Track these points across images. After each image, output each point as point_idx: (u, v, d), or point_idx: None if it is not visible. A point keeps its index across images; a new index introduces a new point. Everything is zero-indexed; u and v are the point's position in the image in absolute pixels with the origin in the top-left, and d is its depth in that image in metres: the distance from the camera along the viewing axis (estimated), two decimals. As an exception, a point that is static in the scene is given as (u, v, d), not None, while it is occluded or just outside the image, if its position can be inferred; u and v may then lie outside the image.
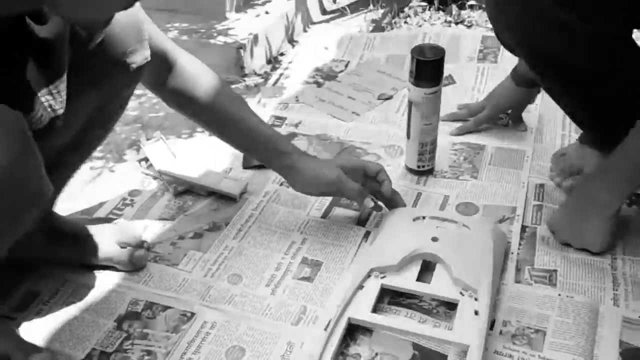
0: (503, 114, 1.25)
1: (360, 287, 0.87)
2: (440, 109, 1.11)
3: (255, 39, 1.50)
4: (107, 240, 0.96)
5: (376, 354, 0.81)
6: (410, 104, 1.07)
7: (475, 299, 0.83)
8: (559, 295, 0.88)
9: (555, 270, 0.92)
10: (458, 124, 1.24)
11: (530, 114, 1.28)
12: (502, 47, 1.44)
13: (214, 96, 0.97)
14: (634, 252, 0.94)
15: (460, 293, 0.85)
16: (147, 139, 1.23)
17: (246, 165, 1.18)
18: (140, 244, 0.98)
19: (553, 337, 0.82)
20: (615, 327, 0.83)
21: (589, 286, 0.89)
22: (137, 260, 0.96)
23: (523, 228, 1.00)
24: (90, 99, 0.80)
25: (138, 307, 0.90)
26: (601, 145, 1.03)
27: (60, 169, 0.84)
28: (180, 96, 0.98)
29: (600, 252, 0.94)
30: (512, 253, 0.95)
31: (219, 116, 0.99)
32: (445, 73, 1.41)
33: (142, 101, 1.43)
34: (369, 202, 1.03)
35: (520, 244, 0.97)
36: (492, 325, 0.84)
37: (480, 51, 1.47)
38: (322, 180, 0.98)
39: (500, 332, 0.83)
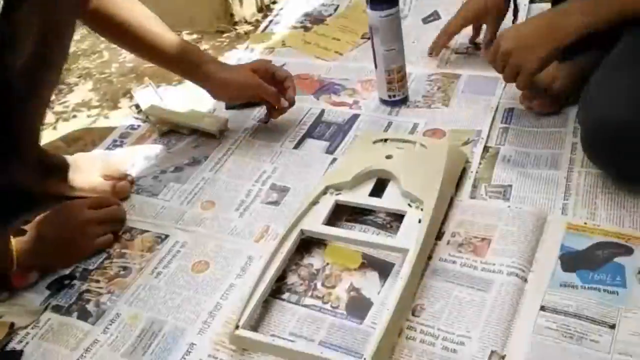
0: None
1: (315, 202, 0.92)
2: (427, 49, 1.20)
3: (245, -14, 1.55)
4: (92, 173, 1.05)
5: (327, 263, 0.87)
6: (370, 29, 1.10)
7: (422, 210, 0.87)
8: (509, 207, 0.91)
9: (510, 186, 0.95)
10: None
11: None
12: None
13: (132, 15, 1.03)
14: (591, 165, 0.96)
15: (409, 205, 0.89)
16: (138, 87, 1.31)
17: (228, 106, 1.25)
18: (124, 177, 1.07)
19: (497, 244, 0.86)
20: (559, 232, 0.86)
21: (540, 198, 0.92)
22: (119, 190, 1.04)
23: (486, 149, 1.03)
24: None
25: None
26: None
27: (36, 89, 0.87)
28: (100, 16, 1.02)
29: (535, 72, 0.96)
30: (471, 172, 0.99)
31: (138, 34, 1.04)
32: (432, 9, 1.45)
33: (139, 54, 1.50)
34: (284, 102, 1.09)
35: (480, 163, 1.00)
36: (440, 236, 0.88)
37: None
38: (238, 83, 1.06)
39: (448, 242, 0.88)
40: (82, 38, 1.62)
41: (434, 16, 1.43)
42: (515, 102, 1.11)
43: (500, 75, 1.18)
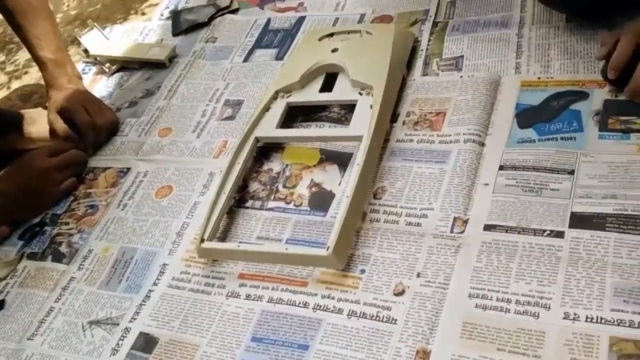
0: None
1: (267, 108, 0.90)
2: None
3: None
4: (43, 124, 1.04)
5: (286, 165, 0.87)
6: None
7: (372, 95, 0.85)
8: (461, 77, 0.89)
9: (462, 56, 0.92)
10: None
11: None
12: None
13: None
14: (541, 19, 0.92)
15: (359, 93, 0.87)
16: (84, 31, 1.27)
17: (175, 32, 1.21)
18: None
19: (452, 115, 0.84)
20: (513, 91, 0.84)
21: (493, 62, 0.89)
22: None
23: (435, 24, 0.99)
24: None
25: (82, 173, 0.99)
26: None
27: None
28: None
29: None
30: (421, 50, 0.96)
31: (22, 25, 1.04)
32: None
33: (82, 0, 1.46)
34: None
35: (429, 40, 0.97)
36: (395, 118, 0.87)
37: None
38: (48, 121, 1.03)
39: (403, 122, 0.86)
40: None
41: None
42: (462, -25, 1.07)
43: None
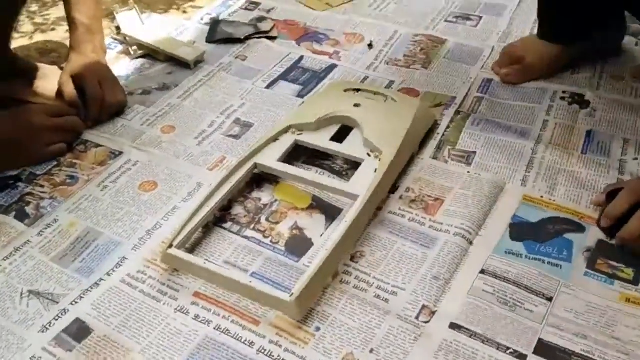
0: None
1: (275, 139, 0.90)
2: (419, 14, 1.22)
3: None
4: (53, 82, 1.02)
5: (275, 200, 0.86)
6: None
7: (379, 160, 0.85)
8: (469, 172, 0.89)
9: (475, 152, 0.93)
10: None
11: (502, 17, 1.26)
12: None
13: None
14: (559, 142, 0.94)
15: (368, 154, 0.87)
16: (122, 8, 1.27)
17: (209, 40, 1.22)
18: None
19: (449, 205, 0.84)
20: (514, 201, 0.84)
21: (502, 166, 0.90)
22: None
23: (457, 112, 1.01)
24: None
25: (74, 142, 0.97)
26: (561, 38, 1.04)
27: None
28: None
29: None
30: (437, 133, 0.97)
31: None
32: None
33: (128, -22, 1.47)
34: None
35: (448, 127, 0.98)
36: (394, 190, 0.87)
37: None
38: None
39: (401, 197, 0.86)
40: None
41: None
42: (495, 75, 1.09)
43: (485, 48, 1.17)
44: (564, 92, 1.04)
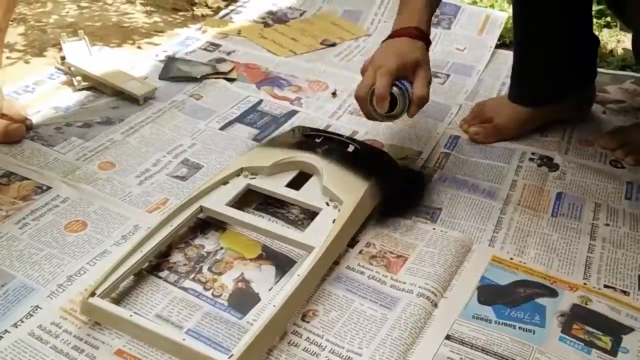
0: None
1: (225, 182, 0.82)
2: None
3: (211, -30, 1.47)
4: None
5: (221, 247, 0.76)
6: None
7: (339, 210, 0.78)
8: (434, 229, 0.82)
9: (440, 209, 0.87)
10: None
11: (470, 77, 1.23)
12: (458, 16, 1.43)
13: None
14: (528, 204, 0.89)
15: (326, 203, 0.79)
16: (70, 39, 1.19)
17: (163, 77, 1.14)
18: (22, 120, 0.94)
19: (413, 263, 0.76)
20: (482, 263, 0.77)
21: (469, 225, 0.84)
22: (12, 132, 0.92)
23: (423, 167, 0.95)
24: None
25: (-4, 174, 0.86)
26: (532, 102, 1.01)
27: None
28: None
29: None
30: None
31: None
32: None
33: (84, 12, 1.40)
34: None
35: (413, 181, 0.92)
36: (354, 244, 0.79)
37: (436, 16, 1.43)
38: None
39: (360, 252, 0.78)
40: (28, -13, 1.50)
41: (399, 40, 1.37)
42: (462, 132, 1.05)
43: (453, 105, 1.13)
44: (532, 153, 1.00)
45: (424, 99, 0.82)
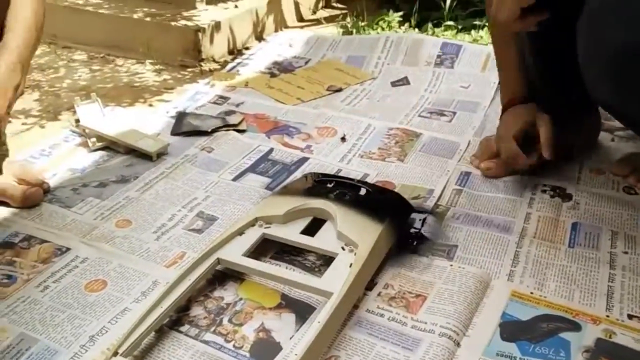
0: None
1: (241, 232, 0.82)
2: (392, 109, 1.24)
3: (218, 26, 1.51)
4: (6, 175, 0.94)
5: (240, 298, 0.77)
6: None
7: (355, 254, 0.78)
8: (451, 265, 0.82)
9: (456, 246, 0.86)
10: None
11: (476, 113, 1.25)
12: (460, 54, 1.46)
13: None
14: (544, 236, 0.89)
15: (342, 248, 0.80)
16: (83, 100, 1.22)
17: (174, 132, 1.17)
18: (39, 184, 0.96)
19: (432, 302, 0.76)
20: (502, 298, 0.77)
21: (487, 261, 0.83)
22: (30, 196, 0.94)
23: (436, 205, 0.95)
24: None
25: (16, 238, 0.87)
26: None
27: None
28: None
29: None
30: (415, 228, 0.90)
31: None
32: (402, 75, 1.42)
33: (96, 74, 1.44)
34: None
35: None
36: (372, 286, 0.79)
37: (439, 56, 1.46)
38: None
39: (379, 294, 0.78)
40: (42, 53, 1.55)
41: (403, 81, 1.40)
42: (473, 167, 1.06)
43: (461, 142, 1.14)
44: (544, 184, 1.00)
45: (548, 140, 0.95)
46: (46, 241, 0.87)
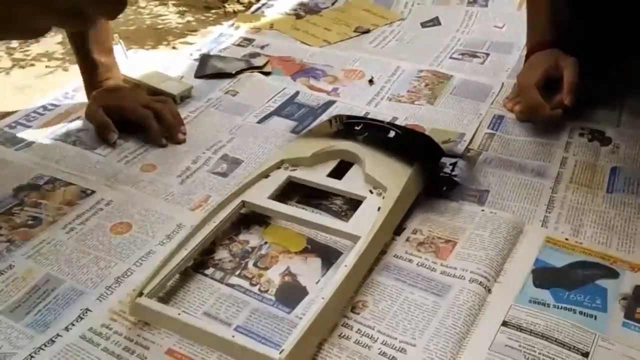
0: None
1: (266, 175, 0.80)
2: (421, 51, 1.19)
3: (241, -35, 1.46)
4: None
5: (265, 242, 0.75)
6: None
7: (383, 197, 0.76)
8: (482, 210, 0.80)
9: (488, 191, 0.83)
10: None
11: (511, 54, 1.19)
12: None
13: None
14: (581, 181, 0.85)
15: (370, 191, 0.77)
16: (106, 43, 1.20)
17: (198, 74, 1.14)
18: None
19: (463, 247, 0.74)
20: (536, 244, 0.74)
21: (519, 206, 0.80)
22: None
23: (467, 150, 0.92)
24: None
25: (41, 180, 0.87)
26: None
27: None
28: None
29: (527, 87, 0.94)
30: (446, 172, 0.87)
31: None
32: (433, 15, 1.36)
33: (118, 16, 1.41)
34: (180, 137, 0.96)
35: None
36: (400, 231, 0.77)
37: (472, -6, 1.39)
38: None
39: (407, 239, 0.76)
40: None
41: (434, 22, 1.34)
42: (506, 110, 1.01)
43: (494, 84, 1.09)
44: (582, 128, 0.96)
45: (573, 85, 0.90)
46: (71, 184, 0.86)
